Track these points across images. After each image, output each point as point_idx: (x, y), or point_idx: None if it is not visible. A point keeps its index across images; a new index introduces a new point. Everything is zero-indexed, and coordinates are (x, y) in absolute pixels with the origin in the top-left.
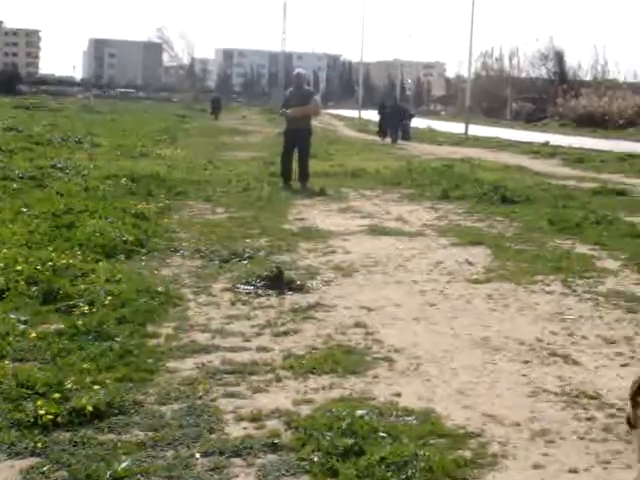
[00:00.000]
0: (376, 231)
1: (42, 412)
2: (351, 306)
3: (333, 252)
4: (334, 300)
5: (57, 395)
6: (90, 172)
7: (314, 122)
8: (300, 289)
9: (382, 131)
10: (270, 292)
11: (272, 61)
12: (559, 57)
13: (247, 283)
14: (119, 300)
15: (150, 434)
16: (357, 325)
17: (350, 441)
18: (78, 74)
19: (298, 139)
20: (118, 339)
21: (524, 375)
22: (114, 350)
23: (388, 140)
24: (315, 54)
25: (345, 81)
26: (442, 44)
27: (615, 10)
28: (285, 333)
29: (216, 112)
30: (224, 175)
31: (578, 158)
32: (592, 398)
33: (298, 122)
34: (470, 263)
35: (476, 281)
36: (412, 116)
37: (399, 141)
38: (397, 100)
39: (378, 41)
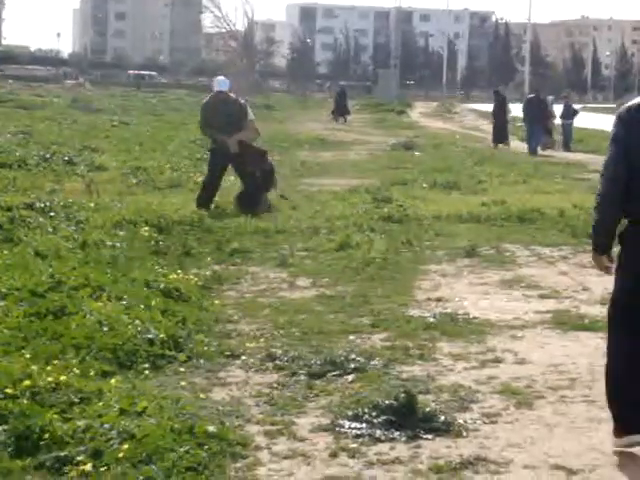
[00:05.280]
0: (567, 323)
1: None
2: (537, 464)
3: (497, 361)
4: (505, 452)
5: None
6: (90, 216)
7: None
8: (445, 430)
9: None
10: (396, 434)
11: (379, 24)
12: None
13: (356, 418)
14: (143, 449)
15: None
16: None
17: None
18: (66, 46)
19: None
20: None
21: None
22: None
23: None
24: (451, 11)
25: (499, 54)
26: None
27: None
28: None
29: (342, 111)
30: (307, 220)
31: None
32: None
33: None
34: None
35: None
36: (576, 112)
37: (543, 150)
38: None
39: None
